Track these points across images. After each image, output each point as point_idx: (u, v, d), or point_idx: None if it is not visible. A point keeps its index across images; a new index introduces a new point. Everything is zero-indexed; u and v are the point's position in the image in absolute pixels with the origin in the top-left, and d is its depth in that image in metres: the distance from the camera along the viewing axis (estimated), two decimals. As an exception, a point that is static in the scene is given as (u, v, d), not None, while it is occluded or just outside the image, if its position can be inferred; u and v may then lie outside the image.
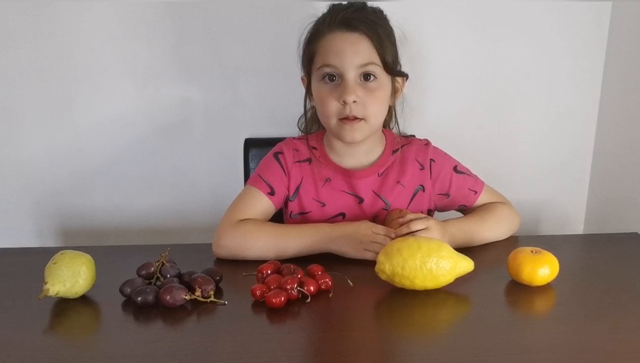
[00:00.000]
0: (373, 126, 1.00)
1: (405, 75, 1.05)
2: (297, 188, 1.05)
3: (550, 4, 1.33)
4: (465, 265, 0.79)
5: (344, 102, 0.95)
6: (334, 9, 1.01)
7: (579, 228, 1.51)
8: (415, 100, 1.35)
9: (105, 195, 1.38)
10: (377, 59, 0.97)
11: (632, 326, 0.70)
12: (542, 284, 0.80)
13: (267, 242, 0.94)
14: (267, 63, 1.32)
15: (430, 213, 1.09)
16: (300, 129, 1.14)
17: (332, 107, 0.97)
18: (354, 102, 0.95)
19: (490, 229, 1.02)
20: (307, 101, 1.08)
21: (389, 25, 1.03)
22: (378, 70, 0.97)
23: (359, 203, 1.04)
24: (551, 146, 1.44)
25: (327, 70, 0.97)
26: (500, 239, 1.02)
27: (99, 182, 1.37)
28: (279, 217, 1.08)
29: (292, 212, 1.06)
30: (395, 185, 1.04)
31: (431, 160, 1.06)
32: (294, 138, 1.10)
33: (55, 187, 1.37)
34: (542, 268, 0.79)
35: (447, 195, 1.07)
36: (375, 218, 1.04)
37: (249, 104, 1.35)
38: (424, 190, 1.06)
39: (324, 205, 1.04)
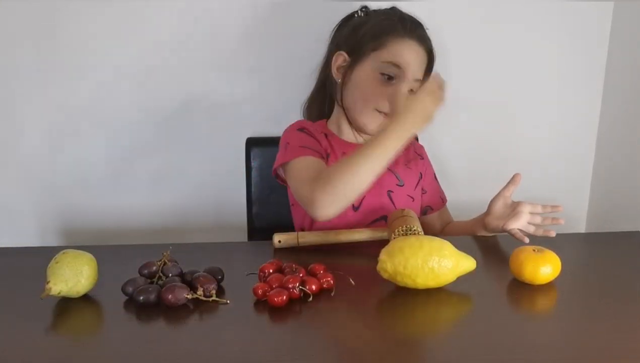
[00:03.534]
0: None
1: None
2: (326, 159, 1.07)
3: (552, 4, 1.32)
4: (467, 264, 0.79)
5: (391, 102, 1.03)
6: (405, 17, 1.08)
7: (581, 227, 1.50)
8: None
9: (108, 194, 1.38)
10: (423, 75, 1.07)
11: (634, 325, 0.70)
12: (544, 283, 0.80)
13: (362, 165, 0.87)
14: (269, 62, 1.32)
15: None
16: (306, 114, 1.21)
17: (377, 99, 1.04)
18: None
19: None
20: (323, 86, 1.14)
21: None
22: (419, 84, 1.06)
23: None
24: (553, 145, 1.44)
25: (392, 69, 1.03)
26: None
27: (101, 182, 1.37)
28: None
29: None
30: (404, 167, 1.13)
31: (424, 156, 1.21)
32: (303, 120, 1.17)
33: (57, 187, 1.37)
34: (544, 267, 0.79)
35: (423, 191, 1.17)
36: (391, 193, 1.10)
37: (251, 103, 1.35)
38: (421, 178, 1.16)
39: None
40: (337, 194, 0.88)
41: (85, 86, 1.31)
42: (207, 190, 1.33)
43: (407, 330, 0.70)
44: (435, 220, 1.20)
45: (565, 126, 1.43)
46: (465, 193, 1.43)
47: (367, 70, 1.05)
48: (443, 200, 1.21)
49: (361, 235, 0.99)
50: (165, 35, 1.29)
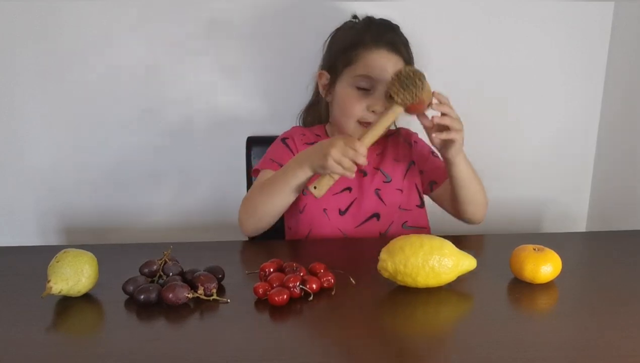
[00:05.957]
0: None
1: None
2: None
3: (552, 4, 1.32)
4: (468, 263, 0.79)
5: (373, 111, 1.05)
6: (375, 23, 1.10)
7: (581, 226, 1.50)
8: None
9: (108, 193, 1.38)
10: None
11: (635, 324, 0.70)
12: (545, 282, 0.80)
13: (267, 192, 0.99)
14: (268, 62, 1.32)
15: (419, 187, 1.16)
16: (302, 122, 1.22)
17: (358, 111, 1.06)
18: None
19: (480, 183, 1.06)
20: (318, 94, 1.16)
21: None
22: None
23: (363, 176, 1.11)
24: (554, 144, 1.44)
25: (365, 81, 1.05)
26: (480, 200, 1.07)
27: (101, 181, 1.37)
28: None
29: (303, 190, 1.09)
30: (393, 162, 1.14)
31: (414, 141, 1.19)
32: (298, 126, 1.20)
33: (58, 186, 1.37)
34: (544, 266, 0.79)
35: (422, 172, 1.15)
36: (379, 191, 1.11)
37: (251, 103, 1.35)
38: (414, 164, 1.15)
39: None
40: (254, 215, 1.01)
41: (85, 86, 1.31)
42: (207, 189, 1.33)
43: (408, 329, 0.70)
44: (445, 194, 1.14)
45: (565, 126, 1.43)
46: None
47: (344, 87, 1.08)
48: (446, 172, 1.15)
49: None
50: (165, 35, 1.29)
